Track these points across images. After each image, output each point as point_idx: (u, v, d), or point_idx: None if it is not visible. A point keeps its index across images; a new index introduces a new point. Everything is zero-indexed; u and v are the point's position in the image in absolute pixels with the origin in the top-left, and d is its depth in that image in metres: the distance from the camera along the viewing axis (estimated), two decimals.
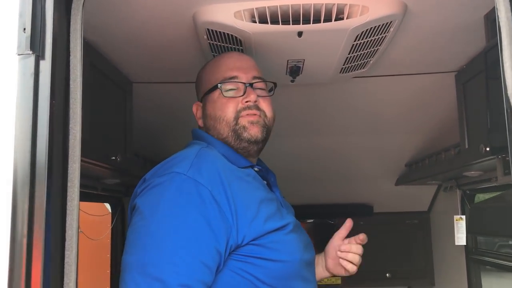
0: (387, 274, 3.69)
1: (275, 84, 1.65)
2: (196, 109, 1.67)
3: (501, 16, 1.12)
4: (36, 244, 0.91)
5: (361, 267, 1.67)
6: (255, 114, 1.53)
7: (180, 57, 2.00)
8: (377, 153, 3.15)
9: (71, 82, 0.99)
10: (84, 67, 1.07)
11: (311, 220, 3.88)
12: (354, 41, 1.75)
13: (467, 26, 1.76)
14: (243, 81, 1.56)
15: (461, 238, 2.77)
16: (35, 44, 0.95)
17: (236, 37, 1.71)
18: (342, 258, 1.64)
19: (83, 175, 1.06)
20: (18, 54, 0.95)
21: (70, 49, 1.00)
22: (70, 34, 1.00)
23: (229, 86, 1.55)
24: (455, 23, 1.75)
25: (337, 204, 3.71)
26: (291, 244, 1.41)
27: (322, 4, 1.54)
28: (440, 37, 1.87)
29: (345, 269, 1.64)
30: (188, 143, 1.59)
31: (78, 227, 0.96)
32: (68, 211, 0.96)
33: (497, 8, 1.11)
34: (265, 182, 1.56)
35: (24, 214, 0.91)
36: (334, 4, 1.55)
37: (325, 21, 1.60)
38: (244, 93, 1.54)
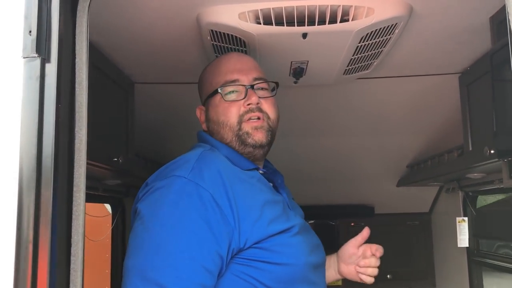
0: (388, 275, 3.67)
1: (277, 84, 1.63)
2: (200, 113, 1.65)
3: (511, 18, 1.10)
4: (42, 250, 0.89)
5: None
6: (258, 118, 1.50)
7: (182, 57, 1.99)
8: (379, 154, 3.15)
9: (76, 85, 0.98)
10: None
11: (312, 221, 3.87)
12: (359, 42, 1.74)
13: (471, 28, 1.76)
14: (244, 83, 1.53)
15: (463, 240, 2.77)
16: (41, 47, 0.94)
17: (240, 38, 1.70)
18: (361, 273, 1.64)
19: None
20: (24, 57, 0.94)
21: (76, 52, 0.99)
22: (76, 37, 0.99)
23: (229, 89, 1.53)
24: (460, 25, 1.74)
25: (338, 205, 3.70)
26: (296, 247, 1.38)
27: (328, 5, 1.53)
28: (445, 39, 1.86)
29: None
30: (193, 145, 1.57)
31: (84, 232, 0.95)
32: (74, 216, 0.95)
33: (508, 12, 1.09)
34: (271, 184, 1.54)
35: (30, 219, 0.90)
36: (339, 5, 1.53)
37: (330, 22, 1.59)
38: (246, 95, 1.51)
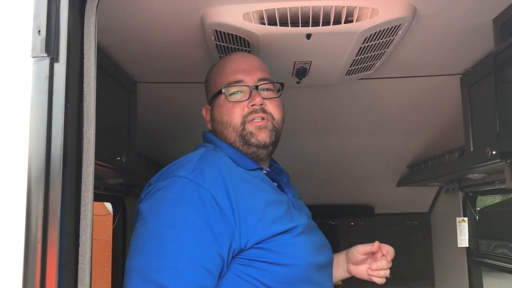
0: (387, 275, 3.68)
1: (282, 84, 1.62)
2: (206, 113, 1.65)
3: None
4: (50, 249, 0.90)
5: None
6: (262, 118, 1.50)
7: (185, 57, 1.98)
8: (380, 154, 3.15)
9: (84, 85, 0.98)
10: None
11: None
12: (362, 43, 1.75)
13: (474, 29, 1.76)
14: (248, 84, 1.53)
15: (463, 240, 2.78)
16: (50, 47, 0.94)
17: (244, 39, 1.70)
18: (374, 275, 1.64)
19: None
20: (33, 57, 0.94)
21: (84, 52, 0.99)
22: (84, 37, 0.99)
23: (233, 90, 1.53)
24: (463, 27, 1.75)
25: (338, 205, 3.71)
26: (300, 247, 1.37)
27: (332, 6, 1.53)
28: (447, 40, 1.87)
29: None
30: (197, 145, 1.58)
31: (92, 232, 0.95)
32: (82, 216, 0.95)
33: None
34: (275, 184, 1.54)
35: (39, 219, 0.90)
36: (344, 6, 1.54)
37: (334, 23, 1.59)
38: (250, 96, 1.51)
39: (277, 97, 1.58)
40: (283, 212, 1.40)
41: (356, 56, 1.88)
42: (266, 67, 1.63)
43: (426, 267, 3.73)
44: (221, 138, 1.55)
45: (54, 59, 0.95)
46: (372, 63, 1.99)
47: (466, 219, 2.84)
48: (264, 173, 1.52)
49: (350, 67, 2.00)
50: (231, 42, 1.74)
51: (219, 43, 1.75)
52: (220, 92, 1.54)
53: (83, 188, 0.96)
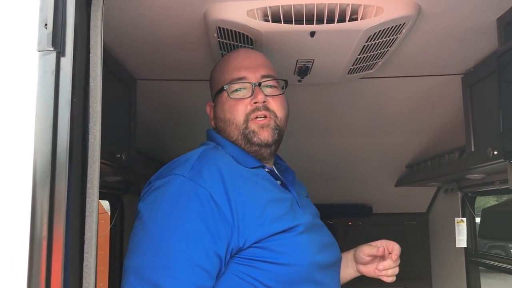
0: None
1: (286, 82, 1.60)
2: (209, 110, 1.63)
3: None
4: (55, 246, 0.89)
5: None
6: (265, 117, 1.49)
7: (187, 54, 1.97)
8: (379, 154, 3.15)
9: (91, 80, 0.96)
10: None
11: None
12: (366, 42, 1.74)
13: (476, 29, 1.76)
14: (251, 81, 1.51)
15: (462, 240, 2.78)
16: (57, 40, 0.92)
17: (247, 36, 1.69)
18: (382, 275, 1.60)
19: None
20: (39, 51, 0.93)
21: (90, 46, 0.97)
22: (90, 31, 0.97)
23: (236, 87, 1.51)
24: (466, 26, 1.74)
25: (336, 204, 3.70)
26: (300, 247, 1.35)
27: (337, 4, 1.52)
28: (450, 39, 1.86)
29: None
30: (200, 144, 1.56)
31: (97, 229, 0.94)
32: (87, 213, 0.94)
33: None
34: (278, 182, 1.52)
35: (44, 216, 0.89)
36: (348, 4, 1.53)
37: (339, 21, 1.58)
38: (252, 93, 1.49)
39: (281, 94, 1.56)
40: (285, 211, 1.39)
41: (358, 55, 1.87)
42: (271, 63, 1.61)
43: (423, 267, 3.74)
44: (224, 136, 1.53)
45: (60, 53, 0.93)
46: (375, 62, 1.98)
47: (464, 219, 2.84)
48: (267, 171, 1.51)
49: (352, 65, 2.00)
50: (234, 39, 1.72)
51: (221, 40, 1.74)
52: (222, 89, 1.53)
53: (88, 184, 0.95)
